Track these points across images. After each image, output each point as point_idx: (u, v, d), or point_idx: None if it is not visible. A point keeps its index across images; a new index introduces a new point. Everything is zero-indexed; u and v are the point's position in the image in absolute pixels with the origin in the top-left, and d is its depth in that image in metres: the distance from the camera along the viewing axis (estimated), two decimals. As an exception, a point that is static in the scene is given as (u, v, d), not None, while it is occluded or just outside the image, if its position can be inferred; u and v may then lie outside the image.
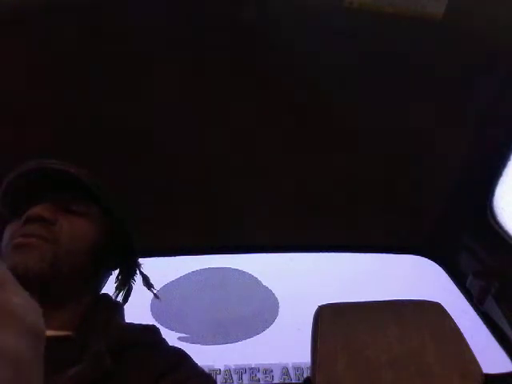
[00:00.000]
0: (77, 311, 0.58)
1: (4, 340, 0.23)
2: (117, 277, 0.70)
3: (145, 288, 0.72)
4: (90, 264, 0.60)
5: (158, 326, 0.65)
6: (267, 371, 3.97)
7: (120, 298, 0.69)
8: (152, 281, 0.73)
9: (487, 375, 0.97)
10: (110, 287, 0.69)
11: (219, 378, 3.80)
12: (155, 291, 0.73)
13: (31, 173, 0.60)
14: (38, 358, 0.26)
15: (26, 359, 0.24)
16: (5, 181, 0.60)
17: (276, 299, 4.46)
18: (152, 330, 0.63)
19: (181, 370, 0.55)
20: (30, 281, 0.53)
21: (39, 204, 0.58)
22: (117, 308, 0.66)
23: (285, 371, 3.98)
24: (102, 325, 0.58)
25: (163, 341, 0.62)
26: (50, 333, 0.53)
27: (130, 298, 0.71)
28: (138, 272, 0.71)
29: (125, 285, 0.69)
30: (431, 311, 1.04)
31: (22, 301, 0.27)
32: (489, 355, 1.16)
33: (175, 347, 0.62)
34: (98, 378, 0.48)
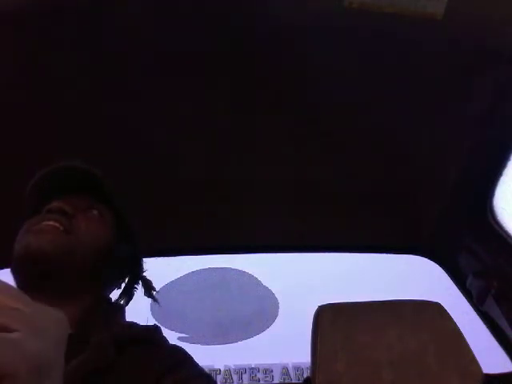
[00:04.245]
0: (78, 308, 0.58)
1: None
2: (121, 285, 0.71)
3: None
4: (98, 264, 0.62)
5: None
6: (267, 371, 3.97)
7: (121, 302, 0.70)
8: (152, 281, 0.74)
9: (487, 375, 0.97)
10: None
11: (219, 378, 3.80)
12: (156, 297, 0.74)
13: (58, 172, 0.63)
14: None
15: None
16: (33, 179, 0.63)
17: (276, 299, 4.46)
18: (153, 329, 0.63)
19: (182, 370, 0.55)
20: (40, 261, 0.54)
21: (62, 200, 0.61)
22: (118, 308, 0.66)
23: (285, 371, 3.98)
24: (104, 323, 0.58)
25: (165, 339, 0.63)
26: None
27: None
28: (141, 282, 0.73)
29: (126, 294, 0.71)
30: (431, 311, 1.04)
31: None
32: (489, 355, 1.16)
33: (176, 346, 0.62)
34: (101, 367, 0.49)
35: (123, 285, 0.72)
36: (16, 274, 0.58)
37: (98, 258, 0.61)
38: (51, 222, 0.57)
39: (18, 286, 0.58)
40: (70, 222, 0.59)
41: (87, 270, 0.60)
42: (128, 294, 0.71)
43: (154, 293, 0.73)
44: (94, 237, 0.61)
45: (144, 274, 0.74)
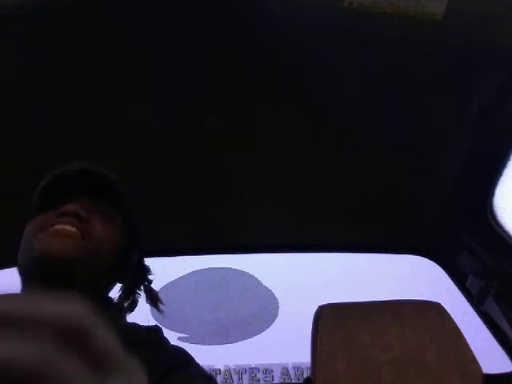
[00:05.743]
0: None
1: None
2: (123, 290, 0.70)
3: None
4: (110, 268, 0.62)
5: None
6: (267, 371, 3.96)
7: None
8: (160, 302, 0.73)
9: (487, 375, 0.97)
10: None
11: (219, 378, 3.80)
12: (161, 308, 0.73)
13: (75, 173, 0.63)
14: None
15: None
16: (48, 175, 0.63)
17: (276, 299, 4.45)
18: (154, 330, 0.63)
19: (184, 371, 0.55)
20: (61, 265, 0.54)
21: (74, 202, 0.60)
22: (119, 309, 0.66)
23: (285, 371, 3.98)
24: (105, 324, 0.58)
25: (166, 340, 0.63)
26: None
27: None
28: (146, 289, 0.72)
29: (129, 295, 0.70)
30: (431, 311, 1.04)
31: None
32: (489, 355, 1.16)
33: (178, 346, 0.62)
34: None
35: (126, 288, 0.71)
36: (27, 273, 0.58)
37: (110, 262, 0.62)
38: (68, 227, 0.57)
39: (25, 283, 0.58)
40: (84, 226, 0.59)
41: (98, 273, 0.60)
42: (131, 298, 0.70)
43: (160, 304, 0.72)
44: (107, 242, 0.61)
45: (150, 280, 0.73)
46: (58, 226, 0.56)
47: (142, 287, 0.72)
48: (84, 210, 0.60)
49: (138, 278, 0.71)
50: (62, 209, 0.59)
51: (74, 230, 0.57)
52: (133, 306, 0.70)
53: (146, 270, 0.73)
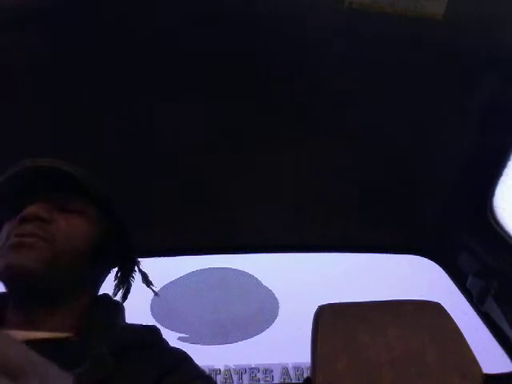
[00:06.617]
0: (76, 312, 0.58)
1: None
2: (116, 275, 0.69)
3: (144, 288, 0.72)
4: (87, 263, 0.60)
5: (158, 326, 0.65)
6: (267, 371, 3.97)
7: (119, 296, 0.68)
8: (152, 280, 0.73)
9: (487, 375, 0.97)
10: (108, 285, 0.69)
11: (219, 378, 3.80)
12: (154, 288, 0.72)
13: (26, 172, 0.59)
14: None
15: None
16: (2, 177, 0.59)
17: (276, 299, 4.46)
18: (153, 331, 0.63)
19: (182, 371, 0.55)
20: (26, 280, 0.53)
21: (35, 203, 0.57)
22: (117, 308, 0.65)
23: (285, 371, 3.98)
24: (103, 326, 0.57)
25: (164, 341, 0.62)
26: (49, 335, 0.53)
27: (130, 299, 0.70)
28: (136, 270, 0.70)
29: (124, 283, 0.69)
30: (431, 311, 1.04)
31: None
32: (489, 355, 1.16)
33: (176, 348, 0.62)
34: (100, 379, 0.48)
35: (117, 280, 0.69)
36: (6, 289, 0.57)
37: (85, 257, 0.59)
38: (28, 239, 0.54)
39: (11, 300, 0.57)
40: (47, 229, 0.56)
41: (75, 273, 0.58)
42: (125, 287, 0.69)
43: (153, 287, 0.71)
44: (76, 238, 0.58)
45: (139, 264, 0.71)
46: (16, 239, 0.54)
47: (136, 268, 0.70)
48: (45, 211, 0.57)
49: (126, 262, 0.69)
50: (23, 213, 0.56)
51: (31, 240, 0.54)
52: (126, 294, 0.68)
53: (132, 252, 0.70)
